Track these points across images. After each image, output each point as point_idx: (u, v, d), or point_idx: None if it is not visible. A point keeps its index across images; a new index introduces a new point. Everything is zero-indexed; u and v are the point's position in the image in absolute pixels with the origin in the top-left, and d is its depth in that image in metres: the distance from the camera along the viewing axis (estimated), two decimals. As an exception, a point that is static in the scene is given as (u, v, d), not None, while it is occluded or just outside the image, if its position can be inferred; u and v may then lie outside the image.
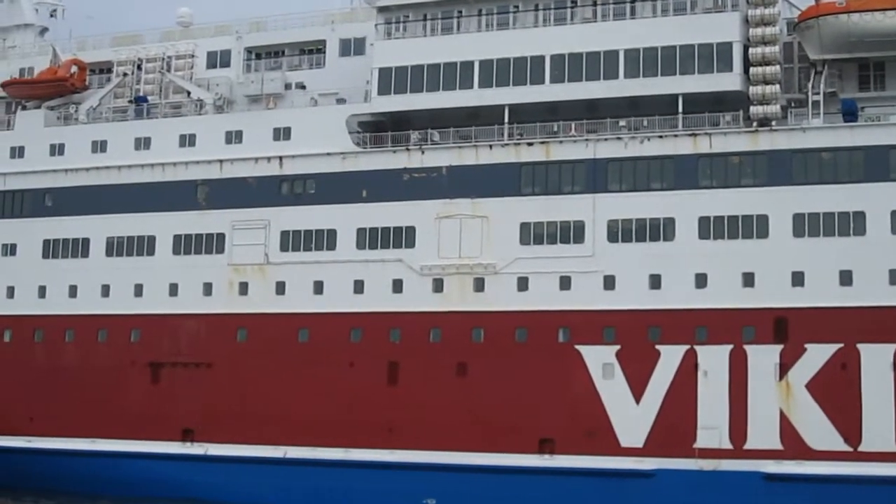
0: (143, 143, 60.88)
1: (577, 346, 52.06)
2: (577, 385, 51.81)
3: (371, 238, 55.91)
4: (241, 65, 62.96)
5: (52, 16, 75.05)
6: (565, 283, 52.73)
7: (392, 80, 56.62)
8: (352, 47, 60.92)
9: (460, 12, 57.29)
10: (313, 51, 62.39)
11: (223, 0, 73.33)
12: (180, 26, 67.16)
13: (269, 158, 58.18)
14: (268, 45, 63.06)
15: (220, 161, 59.00)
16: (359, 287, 55.72)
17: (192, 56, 62.44)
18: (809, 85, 52.25)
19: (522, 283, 53.30)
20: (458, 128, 56.12)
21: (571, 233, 53.05)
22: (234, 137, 59.15)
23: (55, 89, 64.19)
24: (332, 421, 54.88)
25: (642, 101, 54.06)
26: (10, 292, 62.27)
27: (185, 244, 59.14)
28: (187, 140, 60.03)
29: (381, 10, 58.12)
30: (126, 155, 61.02)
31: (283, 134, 58.25)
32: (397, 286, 55.12)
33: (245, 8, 72.73)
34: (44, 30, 73.97)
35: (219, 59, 63.20)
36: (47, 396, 60.24)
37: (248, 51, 63.27)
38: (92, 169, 61.64)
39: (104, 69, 65.88)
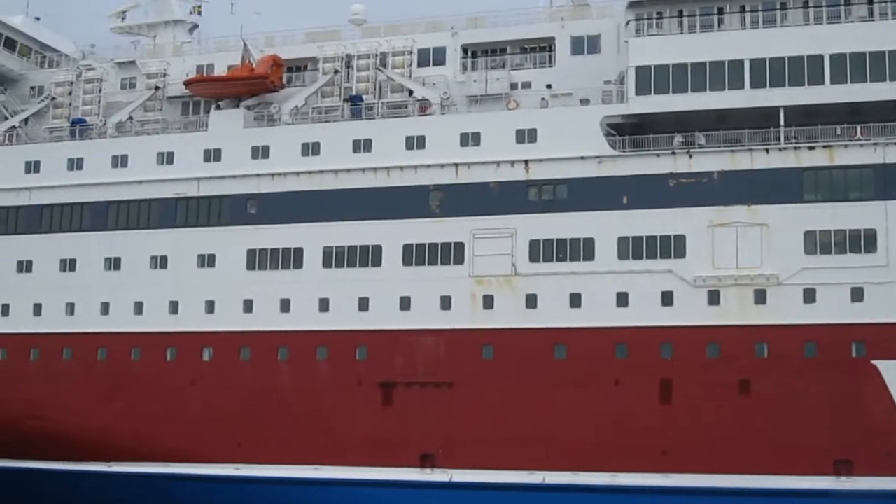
0: (362, 146, 61.33)
1: (874, 361, 53.53)
2: (875, 402, 53.40)
3: (635, 247, 56.95)
4: (458, 63, 63.74)
5: (196, 12, 75.47)
6: (857, 294, 54.28)
7: (651, 79, 57.84)
8: (585, 45, 62.19)
9: (721, 9, 58.81)
10: (536, 49, 63.53)
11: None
12: (353, 24, 68.00)
13: (512, 162, 58.98)
14: (487, 42, 64.33)
15: (456, 164, 59.68)
16: (622, 300, 56.69)
17: (411, 53, 63.18)
18: None
19: (809, 295, 54.72)
20: (719, 131, 57.43)
21: (862, 242, 54.69)
22: (470, 139, 59.84)
23: (251, 87, 64.82)
24: (597, 443, 55.84)
25: None
26: (210, 307, 62.29)
27: (418, 254, 59.67)
28: (415, 142, 60.61)
29: (633, 5, 59.65)
30: (343, 158, 61.59)
31: (527, 136, 59.05)
32: (667, 298, 56.20)
33: (417, 5, 73.37)
34: (194, 27, 74.65)
35: (432, 57, 64.17)
36: (258, 420, 60.43)
37: (464, 48, 64.14)
38: (303, 173, 62.02)
39: (299, 66, 66.38)
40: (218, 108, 65.08)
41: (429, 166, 60.18)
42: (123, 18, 75.20)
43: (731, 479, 54.05)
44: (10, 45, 70.62)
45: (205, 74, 67.16)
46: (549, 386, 56.68)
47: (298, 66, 66.76)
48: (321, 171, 61.71)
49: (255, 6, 74.68)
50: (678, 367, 55.46)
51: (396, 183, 60.59)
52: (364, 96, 63.18)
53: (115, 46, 74.83)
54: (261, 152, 62.99)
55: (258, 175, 62.67)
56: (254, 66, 64.85)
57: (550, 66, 62.84)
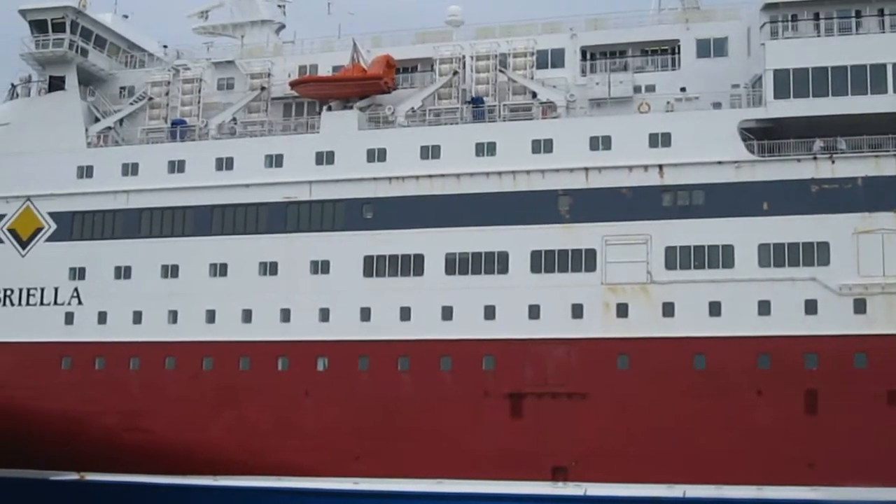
0: (485, 149, 61.64)
1: None
2: None
3: (776, 255, 57.53)
4: (577, 65, 64.25)
5: (281, 12, 75.75)
6: None
7: (790, 83, 58.52)
8: (711, 48, 62.85)
9: (858, 11, 59.59)
10: (658, 51, 64.15)
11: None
12: (450, 26, 68.42)
13: (646, 167, 59.46)
14: (607, 44, 64.98)
15: (586, 169, 60.11)
16: (764, 308, 57.25)
17: (533, 54, 63.62)
18: None
19: (959, 304, 55.47)
20: (855, 136, 58.18)
21: None
22: (600, 143, 60.31)
23: (363, 89, 65.18)
24: (739, 456, 56.36)
25: None
26: (324, 315, 62.37)
27: (547, 261, 60.01)
28: (542, 146, 60.94)
29: (768, 7, 60.38)
30: (465, 162, 61.99)
31: (661, 140, 59.52)
32: (811, 307, 56.81)
33: (512, 7, 74.09)
34: (281, 27, 74.85)
35: (550, 59, 64.67)
36: (377, 432, 60.58)
37: (583, 51, 64.68)
38: (423, 177, 62.29)
39: (407, 67, 66.83)
40: (329, 109, 65.15)
41: (557, 171, 60.60)
42: (206, 18, 75.36)
43: (881, 492, 54.48)
44: (99, 43, 70.51)
45: (308, 75, 67.38)
46: (689, 396, 57.17)
47: (406, 67, 67.23)
48: (442, 175, 62.04)
49: (346, 6, 74.87)
50: (824, 377, 56.08)
51: (523, 187, 60.94)
52: (484, 98, 63.59)
53: (192, 46, 75.00)
54: (377, 155, 63.28)
55: (374, 179, 62.92)
56: (364, 66, 65.12)
57: (675, 69, 63.62)
